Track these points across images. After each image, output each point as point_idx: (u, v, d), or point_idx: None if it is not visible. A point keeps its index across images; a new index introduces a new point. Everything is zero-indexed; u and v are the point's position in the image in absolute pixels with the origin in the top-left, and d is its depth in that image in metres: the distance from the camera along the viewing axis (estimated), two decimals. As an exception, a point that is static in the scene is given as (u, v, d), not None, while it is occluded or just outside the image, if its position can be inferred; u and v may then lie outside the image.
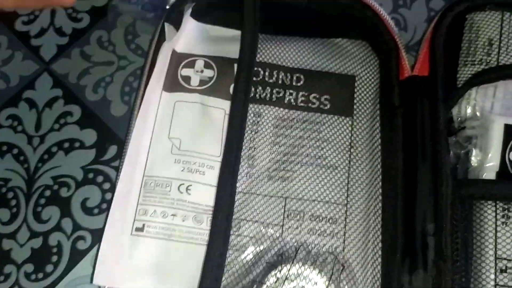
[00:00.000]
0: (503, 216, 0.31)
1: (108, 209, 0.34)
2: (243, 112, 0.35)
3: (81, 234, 0.38)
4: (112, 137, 0.41)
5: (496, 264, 0.30)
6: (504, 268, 0.30)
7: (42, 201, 0.39)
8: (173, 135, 0.35)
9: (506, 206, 0.31)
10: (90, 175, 0.39)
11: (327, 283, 0.31)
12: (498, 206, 0.31)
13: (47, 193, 0.39)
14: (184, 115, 0.36)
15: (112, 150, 0.40)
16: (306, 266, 0.32)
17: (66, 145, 0.41)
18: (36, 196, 0.39)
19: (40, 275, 0.37)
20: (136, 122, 0.34)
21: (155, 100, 0.36)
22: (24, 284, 0.37)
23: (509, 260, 0.30)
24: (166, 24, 0.36)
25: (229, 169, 0.33)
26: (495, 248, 0.30)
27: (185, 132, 0.35)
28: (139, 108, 0.35)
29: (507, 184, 0.31)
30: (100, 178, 0.39)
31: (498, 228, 0.30)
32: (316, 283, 0.31)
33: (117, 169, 0.38)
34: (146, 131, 0.35)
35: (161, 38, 0.36)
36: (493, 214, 0.31)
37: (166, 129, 0.35)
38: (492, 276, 0.30)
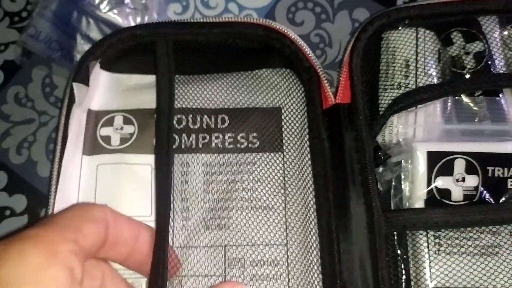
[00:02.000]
0: (435, 245, 0.31)
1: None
2: (168, 163, 0.34)
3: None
4: (43, 200, 0.39)
5: (432, 292, 0.30)
6: (440, 296, 0.30)
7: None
8: (100, 203, 0.34)
9: (436, 234, 0.31)
10: (25, 247, 0.38)
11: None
12: (429, 235, 0.31)
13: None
14: (109, 178, 0.34)
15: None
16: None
17: (-4, 215, 0.39)
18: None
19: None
20: (56, 196, 0.33)
21: (76, 167, 0.34)
22: None
23: (444, 289, 0.30)
24: (75, 84, 0.34)
25: (163, 225, 0.32)
26: (430, 278, 0.30)
27: (112, 197, 0.34)
28: (57, 179, 0.33)
29: (435, 211, 0.31)
30: (35, 249, 0.38)
31: (431, 258, 0.31)
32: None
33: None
34: (70, 203, 0.33)
35: (72, 100, 0.34)
36: (425, 244, 0.31)
37: (91, 197, 0.34)
38: (428, 306, 0.30)
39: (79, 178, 0.34)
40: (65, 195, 0.33)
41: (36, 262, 0.22)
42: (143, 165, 0.35)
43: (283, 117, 0.37)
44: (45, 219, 0.27)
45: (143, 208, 0.34)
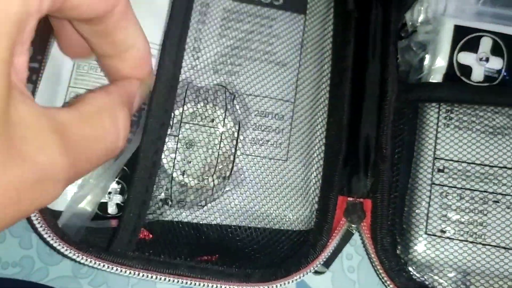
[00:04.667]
0: (445, 118, 0.30)
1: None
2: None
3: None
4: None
5: (433, 164, 0.30)
6: (441, 167, 0.30)
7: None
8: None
9: (449, 108, 0.31)
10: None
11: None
12: (441, 108, 0.31)
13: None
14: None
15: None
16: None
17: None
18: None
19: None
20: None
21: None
22: None
23: (446, 160, 0.30)
24: None
25: (170, 58, 0.31)
26: (434, 148, 0.30)
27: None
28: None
29: (452, 86, 0.30)
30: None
31: (439, 129, 0.30)
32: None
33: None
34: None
35: None
36: (436, 115, 0.30)
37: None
38: (429, 176, 0.30)
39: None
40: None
41: None
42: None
43: None
44: None
45: (153, 36, 0.33)
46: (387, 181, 0.30)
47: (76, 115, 0.19)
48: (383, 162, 0.30)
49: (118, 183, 0.31)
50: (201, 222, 0.31)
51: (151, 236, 0.31)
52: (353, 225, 0.31)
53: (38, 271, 0.34)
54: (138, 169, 0.29)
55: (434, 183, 0.29)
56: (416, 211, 0.30)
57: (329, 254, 0.31)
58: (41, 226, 0.29)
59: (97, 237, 0.31)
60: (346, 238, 0.31)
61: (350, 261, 0.35)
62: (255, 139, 0.33)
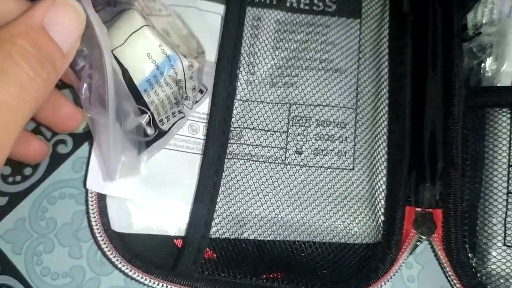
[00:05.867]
0: (519, 123, 0.29)
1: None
2: (240, 16, 0.32)
3: (62, 137, 0.35)
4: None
5: (509, 171, 0.29)
6: (517, 175, 0.28)
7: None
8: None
9: (522, 113, 0.29)
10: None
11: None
12: (514, 113, 0.29)
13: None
14: (179, 20, 0.33)
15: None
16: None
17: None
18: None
19: (18, 178, 0.34)
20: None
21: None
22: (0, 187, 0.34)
23: (523, 167, 0.29)
24: None
25: (225, 74, 0.31)
26: (509, 155, 0.29)
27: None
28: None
29: (525, 90, 0.29)
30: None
31: (514, 135, 0.29)
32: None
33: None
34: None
35: None
36: (508, 121, 0.29)
37: (160, 34, 0.32)
38: (505, 184, 0.28)
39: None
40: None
41: None
42: (214, 13, 0.34)
43: None
44: None
45: (209, 54, 0.32)
46: (460, 190, 0.29)
47: None
48: (455, 170, 0.29)
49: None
50: (265, 239, 0.31)
51: (215, 256, 0.31)
52: (423, 237, 0.30)
53: (89, 282, 0.33)
54: (198, 193, 0.29)
55: (510, 192, 0.28)
56: (493, 221, 0.28)
57: (399, 268, 0.30)
58: (107, 247, 0.29)
59: (159, 256, 0.31)
60: (411, 250, 0.30)
61: (410, 270, 0.34)
62: (318, 149, 0.32)
